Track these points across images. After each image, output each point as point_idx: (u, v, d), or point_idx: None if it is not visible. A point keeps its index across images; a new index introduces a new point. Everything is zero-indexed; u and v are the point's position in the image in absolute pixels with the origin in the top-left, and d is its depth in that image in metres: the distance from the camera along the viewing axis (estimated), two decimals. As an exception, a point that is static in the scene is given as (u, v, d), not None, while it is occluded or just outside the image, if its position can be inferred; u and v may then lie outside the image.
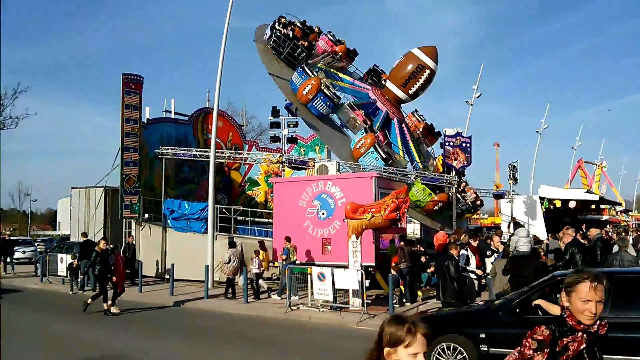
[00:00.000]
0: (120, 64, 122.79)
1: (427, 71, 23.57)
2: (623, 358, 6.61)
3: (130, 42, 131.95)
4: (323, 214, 16.83)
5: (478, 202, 24.99)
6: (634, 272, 8.62)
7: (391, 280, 13.69)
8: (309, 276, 15.28)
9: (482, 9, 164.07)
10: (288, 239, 16.63)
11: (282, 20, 24.27)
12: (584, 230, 20.45)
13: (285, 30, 23.96)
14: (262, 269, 17.01)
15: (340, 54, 25.45)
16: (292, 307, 14.36)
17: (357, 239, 13.85)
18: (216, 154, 20.38)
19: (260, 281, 16.93)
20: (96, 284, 19.38)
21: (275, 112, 21.03)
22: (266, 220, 24.92)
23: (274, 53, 24.28)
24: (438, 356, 7.63)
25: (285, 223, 17.45)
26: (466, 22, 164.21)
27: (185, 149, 23.77)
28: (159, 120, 25.96)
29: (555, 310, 7.10)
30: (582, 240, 13.87)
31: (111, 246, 15.32)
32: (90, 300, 14.19)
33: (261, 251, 17.30)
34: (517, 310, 7.49)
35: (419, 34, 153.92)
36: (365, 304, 13.31)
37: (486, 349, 7.36)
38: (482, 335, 7.42)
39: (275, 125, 21.11)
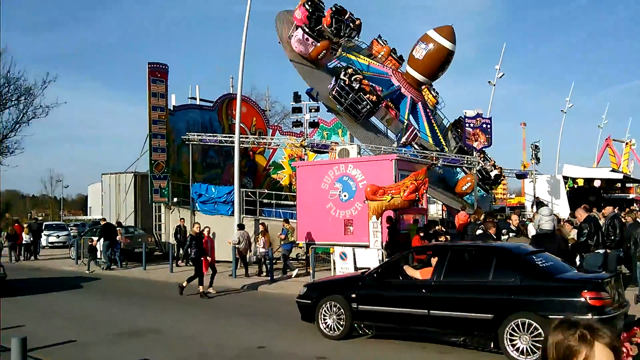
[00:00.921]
0: (144, 51, 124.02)
1: (445, 52, 23.61)
2: (452, 313, 8.17)
3: (153, 30, 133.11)
4: (345, 196, 17.30)
5: (500, 175, 25.48)
6: (463, 245, 10.46)
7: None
8: (331, 256, 15.85)
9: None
10: (286, 221, 17.79)
11: (350, 70, 22.94)
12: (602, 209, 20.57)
13: (350, 81, 22.53)
14: (267, 248, 17.74)
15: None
16: (315, 286, 14.89)
17: (378, 219, 14.33)
18: (240, 139, 20.92)
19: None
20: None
21: (297, 98, 21.47)
22: (290, 202, 25.54)
23: (335, 103, 23.20)
24: (325, 311, 9.42)
25: (309, 205, 17.99)
26: (488, 3, 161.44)
27: (211, 134, 24.41)
28: (184, 107, 26.62)
29: (414, 274, 8.88)
30: (601, 220, 14.08)
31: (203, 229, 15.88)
32: (185, 283, 14.49)
33: (266, 233, 18.02)
34: (376, 275, 9.30)
35: (439, 14, 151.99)
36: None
37: (356, 306, 9.10)
38: (353, 295, 9.16)
39: (297, 110, 21.57)
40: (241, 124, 22.36)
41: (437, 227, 18.00)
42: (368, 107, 22.71)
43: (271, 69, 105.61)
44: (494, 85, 32.83)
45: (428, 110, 26.03)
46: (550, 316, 7.26)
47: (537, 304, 7.64)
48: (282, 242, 17.61)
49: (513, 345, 7.61)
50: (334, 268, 15.18)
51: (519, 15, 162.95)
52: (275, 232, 20.88)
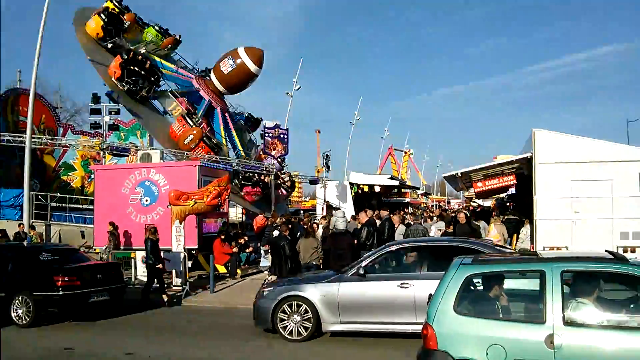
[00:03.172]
0: None
1: (248, 73, 24.85)
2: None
3: None
4: (146, 200, 17.33)
5: (290, 183, 27.36)
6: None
7: (212, 260, 14.92)
8: (132, 260, 15.88)
9: (305, 1, 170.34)
10: (32, 227, 18.76)
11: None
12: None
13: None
14: None
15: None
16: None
17: (181, 224, 14.78)
18: (32, 140, 19.63)
19: None
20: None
21: (95, 99, 20.77)
22: (83, 206, 24.46)
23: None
24: None
25: (107, 209, 17.61)
26: (290, 12, 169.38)
27: (-3, 133, 22.35)
28: (-37, 101, 24.00)
29: None
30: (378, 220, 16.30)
31: None
32: (166, 297, 13.29)
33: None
34: None
35: (246, 21, 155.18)
36: (187, 283, 14.34)
37: None
38: None
39: (96, 111, 20.88)
40: (30, 123, 20.84)
41: (235, 230, 19.04)
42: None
43: (62, 62, 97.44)
44: (292, 96, 35.08)
45: (228, 117, 26.85)
46: (34, 293, 10.86)
47: (30, 285, 11.03)
48: None
49: (15, 313, 10.86)
50: (135, 273, 15.27)
51: (318, 28, 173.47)
52: (70, 238, 20.11)
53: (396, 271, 9.56)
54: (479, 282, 5.85)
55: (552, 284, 5.22)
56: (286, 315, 9.28)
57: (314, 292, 9.24)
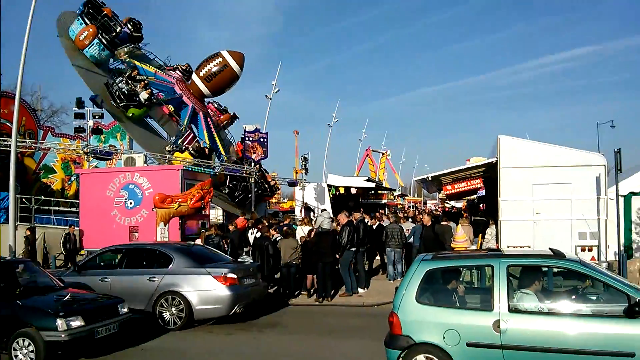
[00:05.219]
0: None
1: (232, 75, 25.88)
2: None
3: None
4: (131, 203, 17.88)
5: (274, 185, 28.30)
6: None
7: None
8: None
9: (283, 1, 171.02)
10: None
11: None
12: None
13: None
14: None
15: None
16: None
17: (165, 226, 15.45)
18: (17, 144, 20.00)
19: None
20: None
21: (79, 104, 21.24)
22: (66, 209, 24.83)
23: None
24: None
25: (92, 212, 18.13)
26: (270, 10, 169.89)
27: (-23, 136, 22.65)
28: (-57, 104, 24.23)
29: None
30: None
31: None
32: None
33: None
34: None
35: (223, 18, 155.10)
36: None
37: None
38: None
39: (80, 116, 21.35)
40: (9, 124, 21.19)
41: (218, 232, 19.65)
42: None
43: (41, 62, 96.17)
44: (271, 99, 35.74)
45: (209, 120, 27.44)
46: None
47: None
48: None
49: None
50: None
51: (296, 29, 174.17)
52: (54, 240, 20.58)
53: (105, 268, 12.12)
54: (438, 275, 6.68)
55: (500, 276, 6.07)
56: None
57: None
